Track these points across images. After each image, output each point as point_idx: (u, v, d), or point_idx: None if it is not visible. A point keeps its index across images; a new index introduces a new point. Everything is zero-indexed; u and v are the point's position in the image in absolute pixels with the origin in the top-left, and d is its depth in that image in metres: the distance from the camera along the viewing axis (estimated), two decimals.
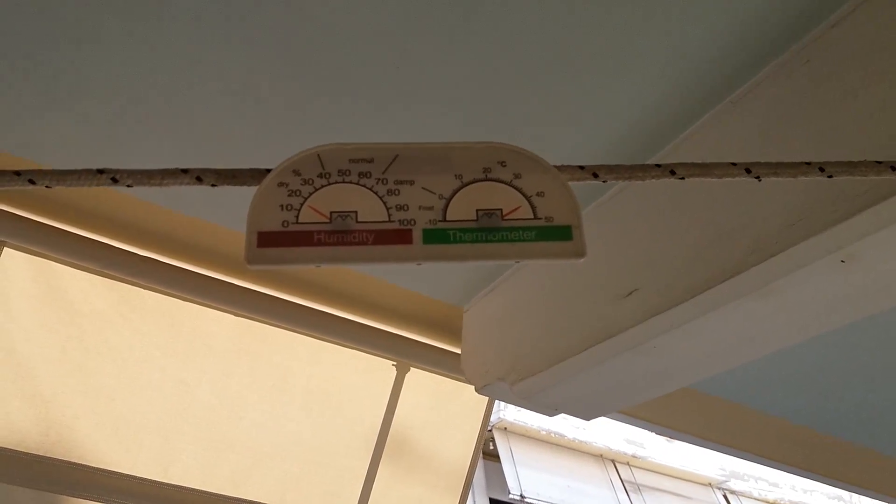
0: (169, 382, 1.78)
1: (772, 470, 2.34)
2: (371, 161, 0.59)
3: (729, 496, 8.84)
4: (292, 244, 0.56)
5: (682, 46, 1.02)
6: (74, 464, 1.74)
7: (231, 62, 1.09)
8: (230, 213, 1.46)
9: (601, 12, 0.97)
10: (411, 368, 1.98)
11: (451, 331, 1.87)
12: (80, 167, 0.56)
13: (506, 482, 7.23)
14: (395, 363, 1.97)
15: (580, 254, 0.57)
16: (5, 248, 1.63)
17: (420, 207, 0.58)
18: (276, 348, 1.87)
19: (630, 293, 1.19)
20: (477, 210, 0.58)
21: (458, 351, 1.79)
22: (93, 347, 1.72)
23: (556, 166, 0.60)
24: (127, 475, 1.77)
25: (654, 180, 0.59)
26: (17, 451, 1.70)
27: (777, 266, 0.94)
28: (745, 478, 8.90)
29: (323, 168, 0.58)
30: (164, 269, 1.63)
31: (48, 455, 1.71)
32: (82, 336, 1.71)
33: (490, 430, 7.76)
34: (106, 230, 1.60)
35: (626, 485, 8.10)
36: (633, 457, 8.48)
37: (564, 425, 7.98)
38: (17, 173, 0.54)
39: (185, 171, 0.56)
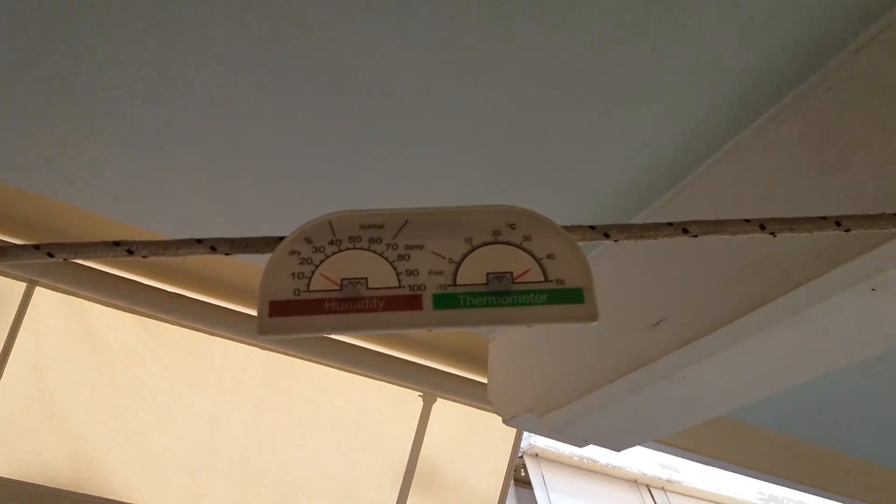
0: (198, 418, 1.79)
1: (811, 496, 2.29)
2: (381, 227, 0.59)
3: None
4: (304, 313, 0.55)
5: (705, 76, 1.02)
6: (105, 499, 1.75)
7: (250, 100, 1.11)
8: None
9: (624, 46, 0.98)
10: (438, 399, 1.97)
11: (478, 361, 1.86)
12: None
13: None
14: (421, 394, 1.96)
15: (593, 317, 0.57)
16: (37, 287, 1.66)
17: (430, 272, 0.57)
18: (304, 382, 1.87)
19: (658, 322, 1.17)
20: (487, 273, 0.57)
21: (485, 381, 1.78)
22: (122, 384, 1.74)
23: (565, 227, 0.59)
24: None
25: (667, 238, 0.59)
26: (49, 487, 1.72)
27: (806, 295, 0.92)
28: (784, 502, 8.68)
29: (334, 235, 0.58)
30: (192, 305, 1.65)
31: (79, 491, 1.73)
32: (112, 373, 1.73)
33: (521, 457, 7.66)
34: (134, 267, 1.62)
35: None
36: (668, 481, 8.30)
37: (597, 451, 7.86)
38: (37, 247, 0.55)
39: (199, 241, 0.57)
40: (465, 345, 1.86)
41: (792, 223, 0.58)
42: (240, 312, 1.70)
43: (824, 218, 0.58)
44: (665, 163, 1.17)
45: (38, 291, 1.66)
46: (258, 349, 1.80)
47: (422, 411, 1.98)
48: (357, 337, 1.78)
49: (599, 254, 1.39)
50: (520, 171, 1.22)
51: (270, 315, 0.56)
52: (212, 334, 1.76)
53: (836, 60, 0.96)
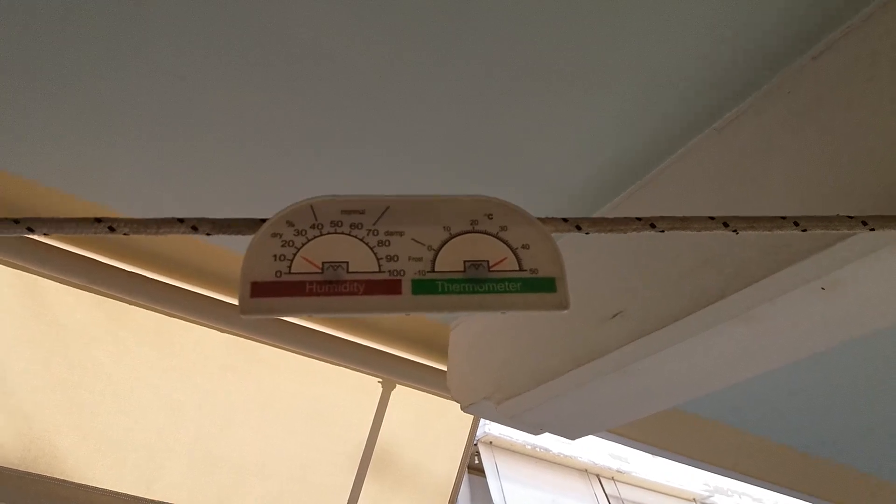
0: (154, 399, 1.78)
1: (755, 487, 2.36)
2: (363, 213, 0.60)
3: None
4: (285, 294, 0.57)
5: (670, 74, 1.04)
6: (56, 479, 1.73)
7: (199, 79, 1.09)
8: None
9: (591, 36, 0.99)
10: (397, 385, 1.98)
11: (438, 348, 1.88)
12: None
13: (490, 497, 7.20)
14: (381, 380, 1.97)
15: (564, 306, 0.59)
16: None
17: (410, 258, 0.59)
18: (262, 366, 1.87)
19: (615, 315, 1.20)
20: (465, 261, 0.59)
21: (445, 368, 1.79)
22: (77, 363, 1.71)
23: (540, 219, 0.62)
24: (110, 491, 1.76)
25: (635, 232, 0.61)
26: None
27: (758, 292, 0.95)
28: (729, 493, 8.91)
29: (316, 219, 0.60)
30: (151, 286, 1.63)
31: (29, 471, 1.70)
32: (66, 351, 1.70)
33: (475, 445, 7.73)
34: (92, 245, 1.59)
35: (610, 499, 8.09)
36: (618, 471, 8.47)
37: (550, 440, 7.97)
38: (16, 221, 0.55)
39: (181, 220, 0.57)
40: (425, 332, 1.87)
41: (753, 222, 0.60)
42: (198, 294, 1.68)
43: (784, 218, 0.61)
44: (629, 156, 1.19)
45: None
46: (217, 332, 1.78)
47: (381, 397, 1.99)
48: (319, 322, 1.78)
49: (560, 246, 1.41)
50: (479, 159, 1.22)
51: (252, 296, 0.57)
52: (170, 315, 1.74)
53: (797, 65, 0.99)
